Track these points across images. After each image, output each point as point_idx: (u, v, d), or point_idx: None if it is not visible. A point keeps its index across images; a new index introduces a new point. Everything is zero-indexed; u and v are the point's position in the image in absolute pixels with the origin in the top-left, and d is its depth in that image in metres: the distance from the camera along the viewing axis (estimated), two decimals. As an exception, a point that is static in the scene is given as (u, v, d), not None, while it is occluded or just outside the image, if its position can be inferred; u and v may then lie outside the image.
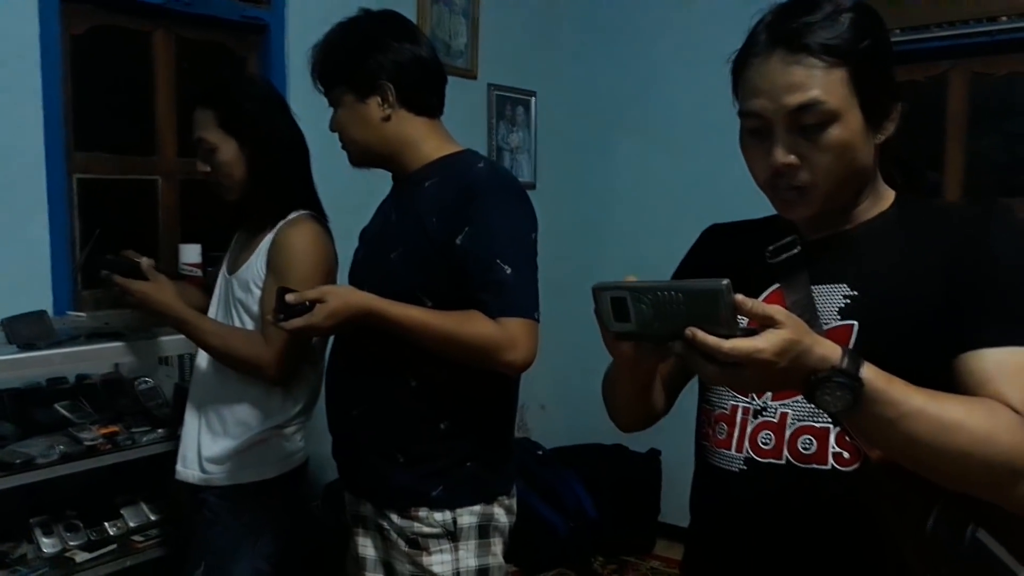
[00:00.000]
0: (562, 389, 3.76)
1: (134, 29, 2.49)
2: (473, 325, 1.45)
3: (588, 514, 3.42)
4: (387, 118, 1.59)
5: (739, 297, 0.82)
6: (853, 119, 0.99)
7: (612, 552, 3.60)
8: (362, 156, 1.65)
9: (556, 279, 3.68)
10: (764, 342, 0.82)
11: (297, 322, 1.42)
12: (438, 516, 1.54)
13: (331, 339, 1.74)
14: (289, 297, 1.42)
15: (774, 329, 0.82)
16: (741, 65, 1.04)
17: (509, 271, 1.46)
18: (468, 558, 1.56)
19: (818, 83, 0.97)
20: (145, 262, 1.76)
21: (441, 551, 1.54)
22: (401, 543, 1.56)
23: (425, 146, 1.62)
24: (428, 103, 1.63)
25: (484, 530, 1.58)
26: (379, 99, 1.58)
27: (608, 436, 3.74)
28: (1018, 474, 0.88)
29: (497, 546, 1.61)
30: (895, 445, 0.90)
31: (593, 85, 3.87)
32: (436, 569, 1.54)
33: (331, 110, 1.65)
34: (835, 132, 0.98)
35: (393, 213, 1.65)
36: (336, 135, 1.66)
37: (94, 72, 2.42)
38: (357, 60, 1.58)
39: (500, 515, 1.61)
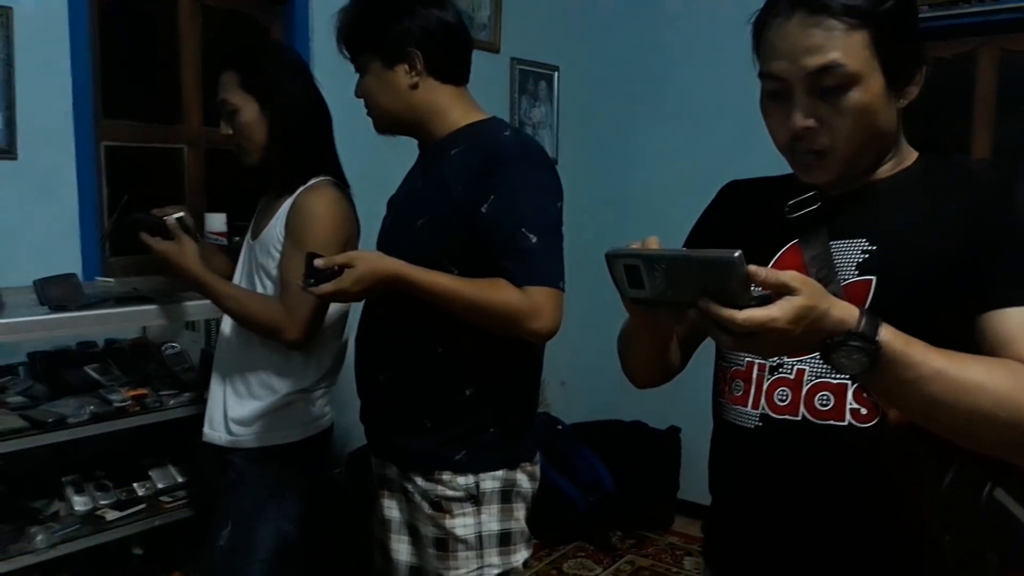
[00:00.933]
0: (582, 365, 3.77)
1: (160, -3, 2.51)
2: (498, 292, 1.45)
3: (607, 489, 3.44)
4: (415, 86, 1.59)
5: (752, 268, 0.81)
6: (874, 82, 0.98)
7: (631, 527, 3.62)
8: (388, 123, 1.65)
9: (577, 255, 3.66)
10: (778, 311, 0.81)
11: (326, 287, 1.43)
12: (461, 480, 1.56)
13: (361, 305, 1.75)
14: (318, 262, 1.44)
15: (789, 297, 0.82)
16: (761, 26, 1.03)
17: (534, 239, 1.46)
18: (491, 522, 1.58)
19: (838, 45, 0.96)
20: (171, 221, 1.77)
21: (464, 514, 1.56)
22: (425, 505, 1.59)
23: (451, 114, 1.62)
24: (455, 71, 1.63)
25: (507, 495, 1.59)
26: (407, 67, 1.57)
27: (628, 412, 3.76)
28: None
29: (519, 511, 1.62)
30: (914, 406, 0.90)
31: (616, 60, 3.85)
32: (459, 532, 1.56)
33: (355, 79, 1.66)
34: (855, 95, 0.97)
35: (420, 180, 1.66)
36: (361, 102, 1.67)
37: (120, 40, 2.44)
38: (385, 26, 1.57)
39: (523, 481, 1.62)
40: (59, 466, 2.01)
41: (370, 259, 1.48)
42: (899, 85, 1.01)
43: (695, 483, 3.67)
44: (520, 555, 1.62)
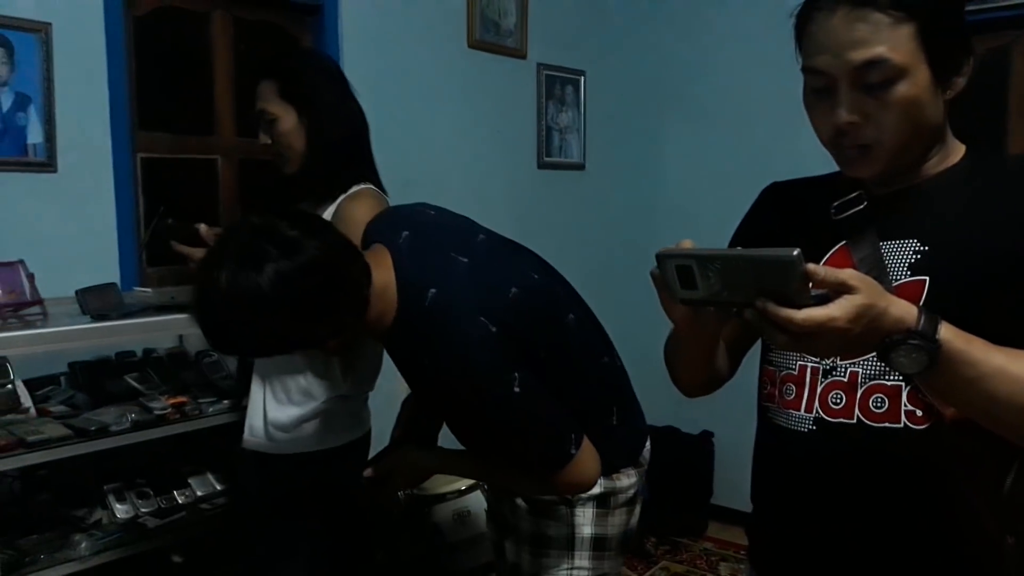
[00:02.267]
0: (612, 370, 3.76)
1: (193, 10, 2.55)
2: (532, 484, 1.49)
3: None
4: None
5: (811, 266, 0.80)
6: (921, 76, 0.96)
7: (665, 533, 3.60)
8: None
9: (606, 260, 3.68)
10: (838, 310, 0.80)
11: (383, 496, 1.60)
12: None
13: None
14: (367, 473, 1.62)
15: (848, 295, 0.81)
16: (804, 20, 1.01)
17: (522, 440, 1.41)
18: (584, 525, 1.55)
19: (884, 39, 0.94)
20: (204, 229, 1.80)
21: (558, 519, 1.55)
22: (523, 508, 1.58)
23: (379, 322, 1.41)
24: (352, 311, 1.36)
25: (603, 500, 1.55)
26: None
27: (660, 418, 3.73)
28: None
29: (617, 517, 1.57)
30: (974, 404, 0.89)
31: (643, 64, 3.85)
32: (551, 532, 1.55)
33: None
34: (901, 89, 0.96)
35: (400, 365, 1.54)
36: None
37: (156, 53, 2.47)
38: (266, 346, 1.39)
39: (623, 486, 1.57)
40: (101, 474, 2.03)
41: (407, 464, 1.62)
42: (946, 77, 0.99)
43: (729, 488, 3.65)
44: (612, 562, 1.59)
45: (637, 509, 1.61)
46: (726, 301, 0.87)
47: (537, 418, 1.40)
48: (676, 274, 0.87)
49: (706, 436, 3.70)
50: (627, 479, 1.57)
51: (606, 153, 3.87)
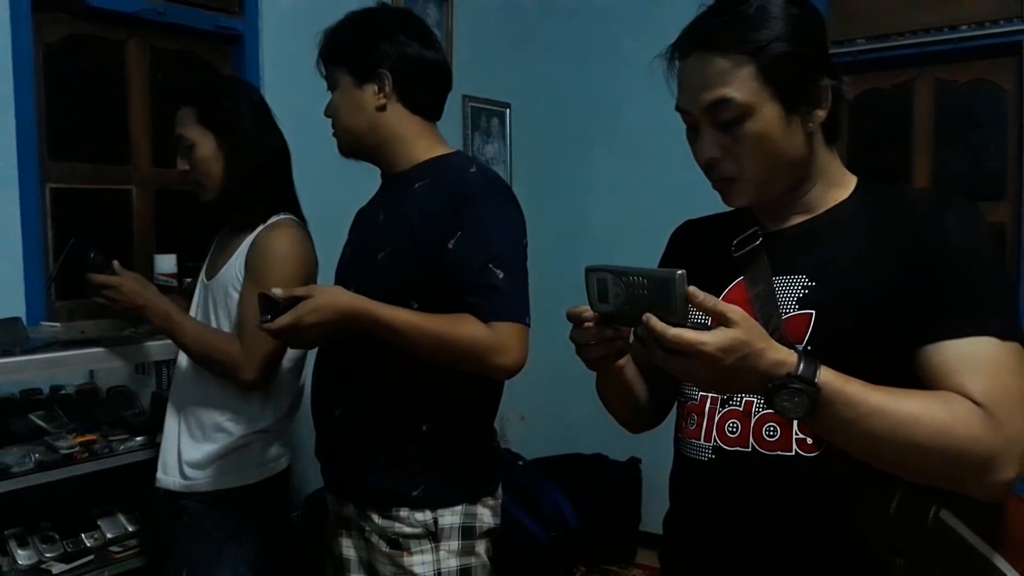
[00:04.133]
0: (542, 400, 3.76)
1: (108, 38, 2.49)
2: (464, 328, 1.44)
3: (569, 523, 3.41)
4: (381, 108, 1.58)
5: (692, 289, 0.84)
6: (768, 112, 1.02)
7: (593, 561, 3.60)
8: (351, 145, 1.64)
9: (533, 289, 3.70)
10: (709, 336, 0.84)
11: (283, 319, 1.39)
12: (419, 516, 1.54)
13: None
14: (275, 291, 1.41)
15: (725, 327, 0.85)
16: (671, 63, 1.10)
17: (502, 275, 1.46)
18: (449, 559, 1.55)
19: (728, 80, 1.01)
20: (117, 264, 1.75)
21: (422, 551, 1.54)
22: (382, 544, 1.56)
23: (416, 145, 1.61)
24: (426, 104, 1.63)
25: (467, 531, 1.57)
26: (376, 87, 1.58)
27: (588, 446, 3.75)
28: (978, 466, 0.89)
29: (480, 546, 1.60)
30: (856, 443, 0.92)
31: (567, 96, 3.91)
32: (417, 569, 1.54)
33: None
34: (750, 125, 1.02)
35: (381, 213, 1.64)
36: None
37: (67, 81, 2.41)
38: (361, 44, 1.58)
39: (484, 515, 1.60)
40: (2, 519, 1.94)
41: (330, 291, 1.47)
42: (802, 110, 1.04)
43: (657, 514, 3.62)
44: None
45: (489, 542, 1.63)
46: (627, 315, 0.92)
47: (522, 275, 1.52)
48: (596, 287, 0.94)
49: (634, 463, 3.73)
50: (487, 509, 1.60)
51: (532, 184, 3.90)
